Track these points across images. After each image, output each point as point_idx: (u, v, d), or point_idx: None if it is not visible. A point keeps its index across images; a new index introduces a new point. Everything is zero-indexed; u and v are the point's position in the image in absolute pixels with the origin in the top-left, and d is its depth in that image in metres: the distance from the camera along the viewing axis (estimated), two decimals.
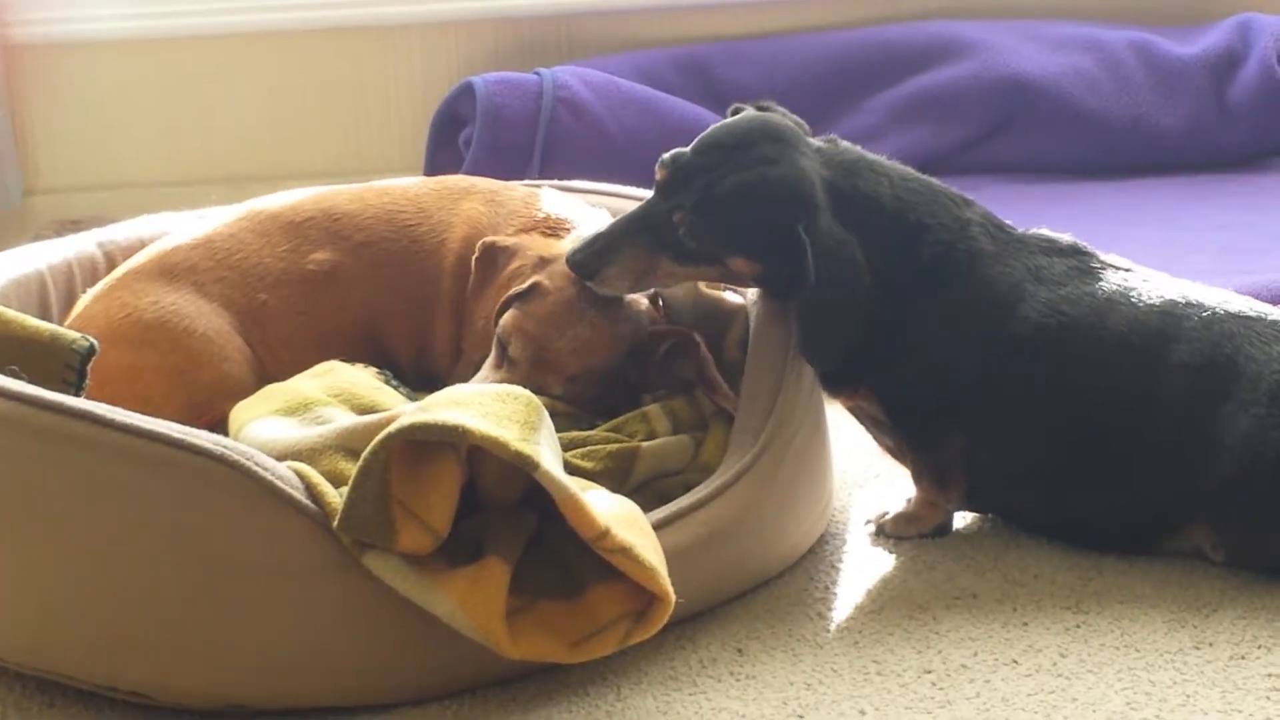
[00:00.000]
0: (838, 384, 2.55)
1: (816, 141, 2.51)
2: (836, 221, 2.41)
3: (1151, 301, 2.45)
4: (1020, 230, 2.55)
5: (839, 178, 2.46)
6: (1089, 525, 2.51)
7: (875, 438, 2.65)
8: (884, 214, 2.46)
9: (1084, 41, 4.46)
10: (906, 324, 2.47)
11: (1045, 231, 2.55)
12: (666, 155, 2.46)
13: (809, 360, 2.48)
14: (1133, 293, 2.47)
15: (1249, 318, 2.43)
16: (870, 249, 2.42)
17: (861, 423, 2.65)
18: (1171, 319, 2.43)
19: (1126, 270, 2.52)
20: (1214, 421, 2.38)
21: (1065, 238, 2.55)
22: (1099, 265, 2.52)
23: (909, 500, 2.58)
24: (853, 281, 2.41)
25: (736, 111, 2.54)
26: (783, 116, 2.53)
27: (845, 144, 2.53)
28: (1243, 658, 2.22)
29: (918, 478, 2.56)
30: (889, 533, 2.58)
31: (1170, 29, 4.57)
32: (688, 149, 2.46)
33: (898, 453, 2.62)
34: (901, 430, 2.56)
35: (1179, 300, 2.46)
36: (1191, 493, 2.40)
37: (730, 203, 2.41)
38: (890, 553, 2.54)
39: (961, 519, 2.61)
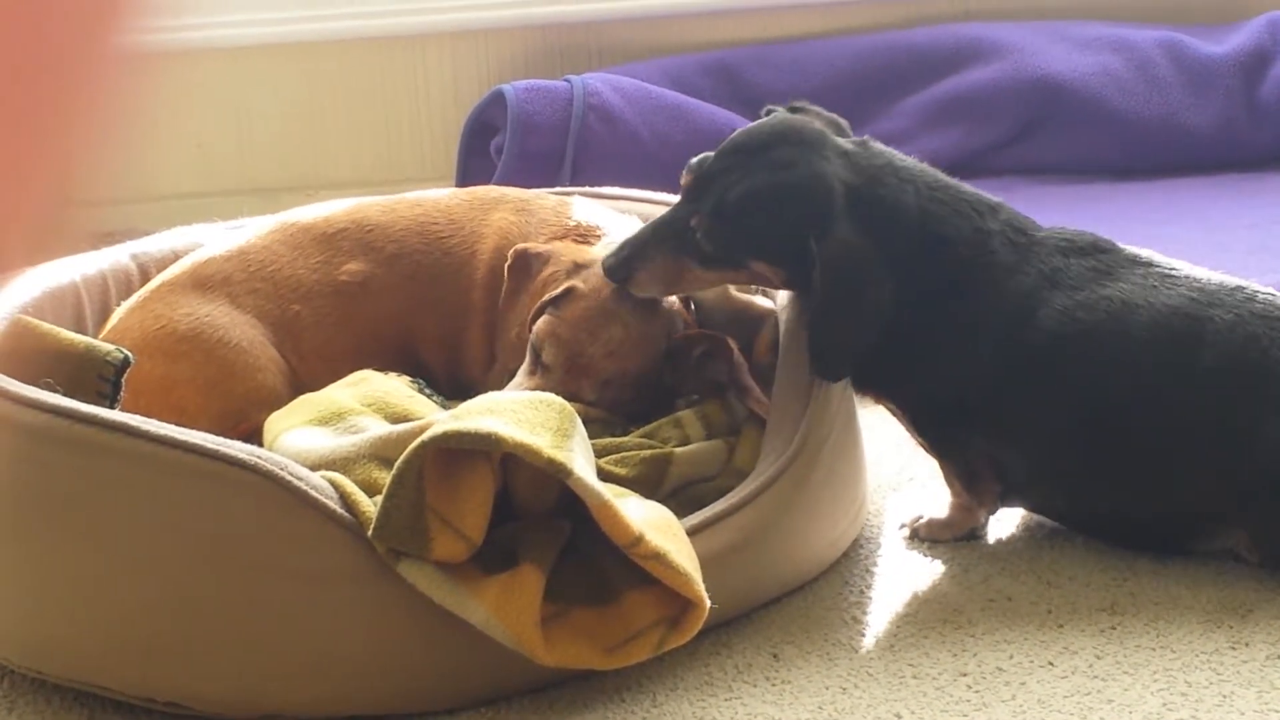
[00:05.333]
0: (862, 388, 2.56)
1: (848, 143, 2.48)
2: (857, 229, 2.39)
3: (1173, 303, 2.42)
4: (1042, 231, 2.51)
5: (863, 184, 2.42)
6: (1120, 528, 2.51)
7: (911, 434, 2.65)
8: (907, 224, 2.42)
9: (1113, 42, 4.46)
10: (922, 337, 2.46)
11: (1066, 230, 2.52)
12: (694, 160, 2.46)
13: (816, 373, 2.46)
14: (1154, 293, 2.43)
15: (1275, 319, 2.41)
16: (891, 259, 2.39)
17: (897, 418, 2.64)
18: (1195, 322, 2.40)
19: (1147, 265, 2.48)
20: (1243, 424, 2.37)
21: (1085, 236, 2.51)
22: (1120, 263, 2.48)
23: (944, 505, 2.58)
24: (866, 293, 2.39)
25: (769, 114, 2.54)
26: (815, 117, 2.51)
27: (878, 146, 2.49)
28: (1279, 657, 2.21)
29: (949, 483, 2.56)
30: (923, 537, 2.57)
31: (1199, 28, 4.56)
32: (713, 154, 2.46)
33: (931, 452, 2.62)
34: (924, 438, 2.56)
35: (1202, 300, 2.42)
36: (1223, 496, 2.40)
37: (744, 209, 2.40)
38: (925, 556, 2.54)
39: (995, 522, 2.61)
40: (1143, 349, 2.41)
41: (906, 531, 2.59)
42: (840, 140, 2.48)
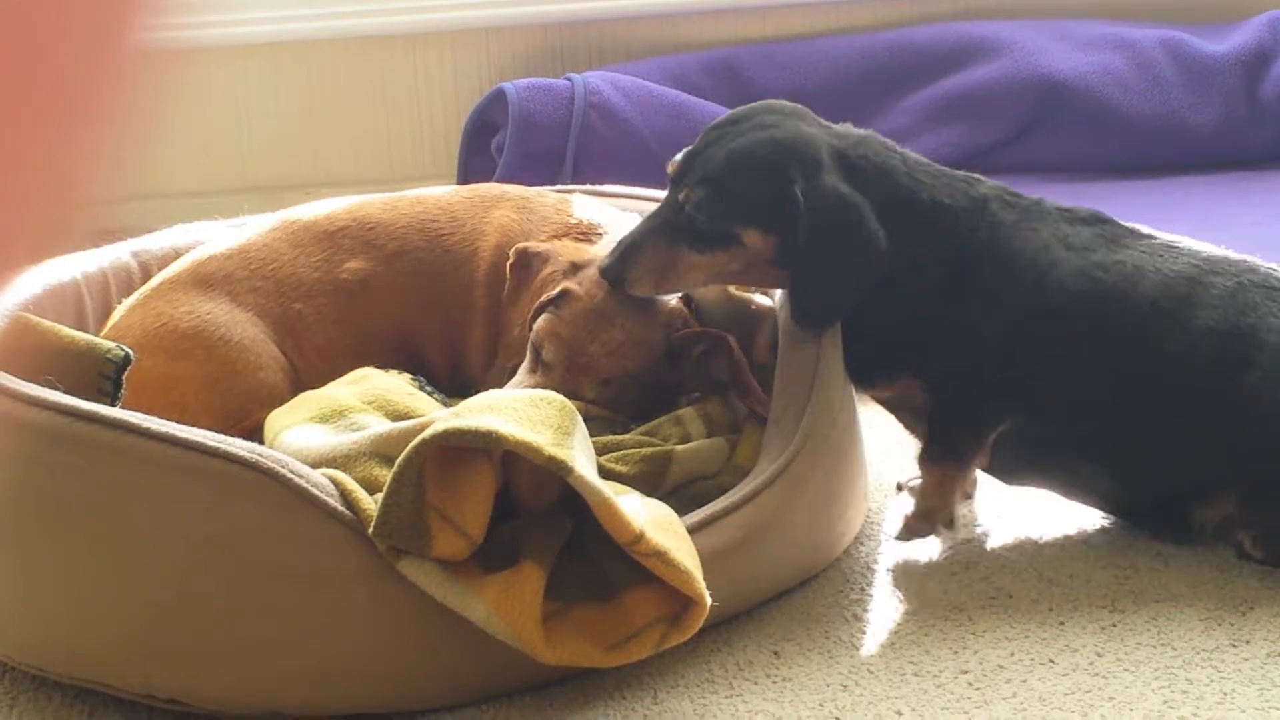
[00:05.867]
0: (876, 375, 2.54)
1: (829, 124, 2.51)
2: (847, 184, 2.40)
3: (1178, 268, 2.46)
4: (1036, 198, 2.54)
5: (849, 148, 2.44)
6: (1121, 492, 2.51)
7: (907, 426, 2.63)
8: (898, 188, 2.45)
9: (1114, 40, 4.46)
10: (940, 306, 2.46)
11: (1060, 203, 2.55)
12: (678, 154, 2.48)
13: (799, 325, 2.47)
14: (1159, 259, 2.48)
15: (1272, 289, 2.45)
16: (885, 220, 2.40)
17: (893, 412, 2.63)
18: (1199, 285, 2.45)
19: (1149, 237, 2.53)
20: (1239, 389, 2.40)
21: (1083, 208, 2.55)
22: (1122, 233, 2.52)
23: (920, 492, 2.55)
24: (857, 244, 2.39)
25: None
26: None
27: (859, 129, 2.53)
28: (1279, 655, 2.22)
29: (933, 457, 2.53)
30: (918, 532, 2.54)
31: (1201, 27, 4.56)
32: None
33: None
34: (944, 407, 2.53)
35: (1205, 268, 2.47)
36: (1219, 459, 2.42)
37: (730, 168, 2.41)
38: (925, 553, 2.54)
39: (997, 520, 2.61)
40: (1152, 307, 2.44)
41: (899, 530, 2.57)
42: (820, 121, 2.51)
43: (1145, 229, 2.55)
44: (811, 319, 2.46)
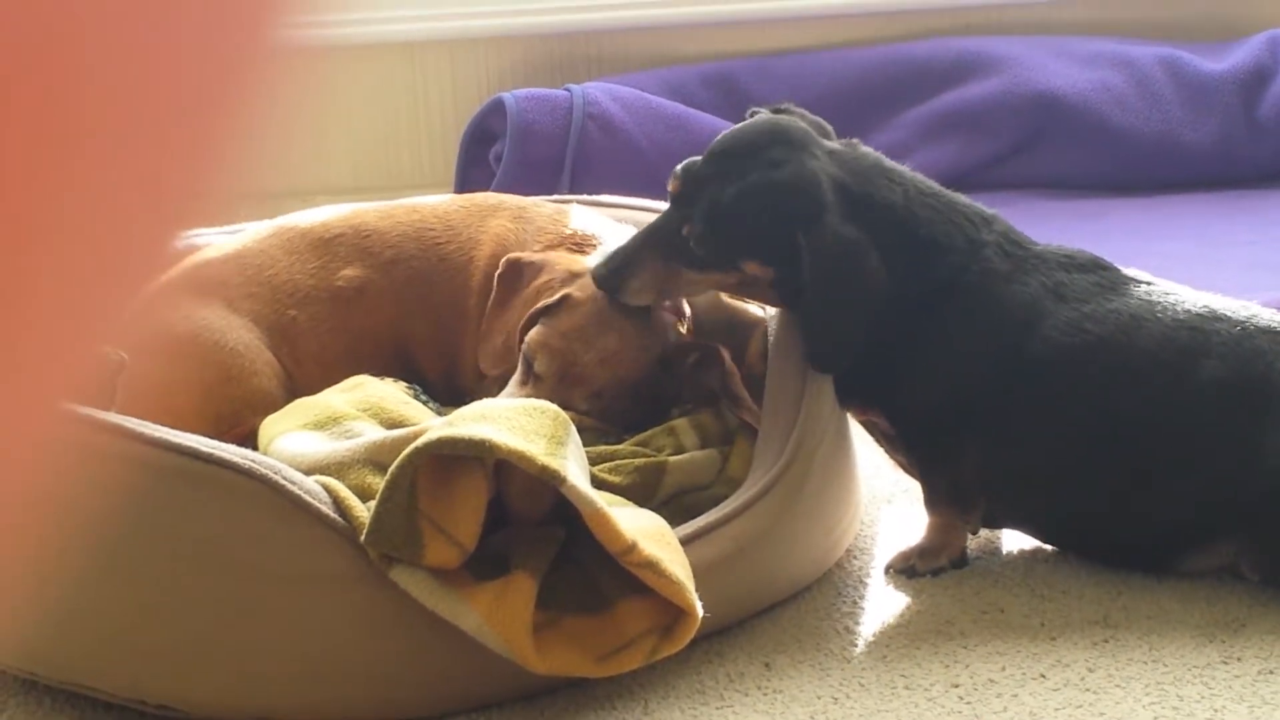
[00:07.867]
0: (846, 398, 2.53)
1: (835, 144, 2.48)
2: (847, 222, 2.38)
3: (1179, 317, 2.42)
4: (1039, 246, 2.51)
5: (852, 181, 2.42)
6: (1113, 544, 2.49)
7: (888, 453, 2.63)
8: (897, 224, 2.42)
9: (1112, 57, 4.45)
10: (915, 346, 2.45)
11: (1064, 247, 2.51)
12: (680, 166, 2.46)
13: (814, 366, 2.46)
14: (1159, 308, 2.43)
15: (1278, 334, 2.41)
16: (881, 254, 2.38)
17: (873, 436, 2.63)
18: (1201, 335, 2.40)
19: (1148, 284, 2.49)
20: (1248, 438, 2.37)
21: (1084, 253, 2.51)
22: (1121, 280, 2.48)
23: (926, 530, 2.53)
24: (860, 284, 2.38)
25: (753, 115, 2.53)
26: (800, 118, 2.51)
27: (865, 149, 2.50)
28: (1271, 672, 2.21)
29: (932, 504, 2.52)
30: (920, 570, 2.49)
31: (1199, 45, 4.56)
32: (700, 159, 2.46)
33: (910, 470, 2.59)
34: (913, 451, 2.54)
35: (1207, 315, 2.42)
36: (1223, 510, 2.39)
37: (733, 211, 2.39)
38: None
39: (989, 534, 2.60)
40: (1150, 360, 2.40)
41: (896, 568, 2.51)
42: (826, 141, 2.48)
43: (1145, 275, 2.50)
44: (824, 361, 2.46)
